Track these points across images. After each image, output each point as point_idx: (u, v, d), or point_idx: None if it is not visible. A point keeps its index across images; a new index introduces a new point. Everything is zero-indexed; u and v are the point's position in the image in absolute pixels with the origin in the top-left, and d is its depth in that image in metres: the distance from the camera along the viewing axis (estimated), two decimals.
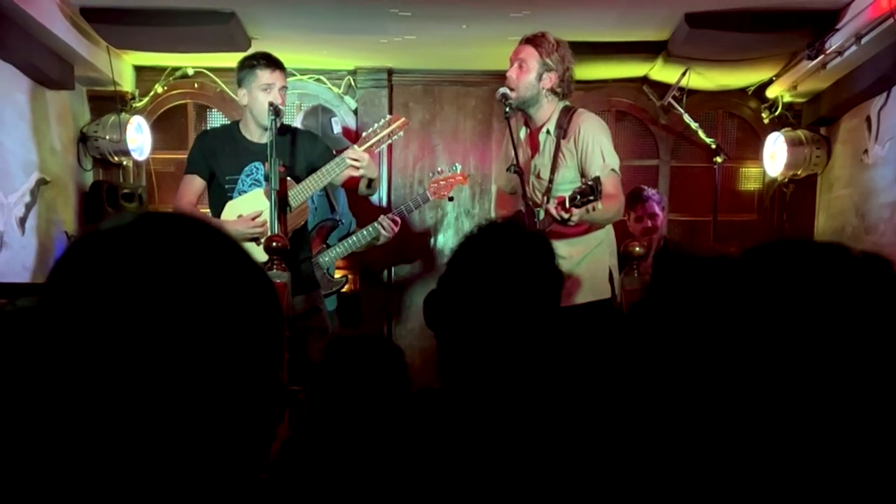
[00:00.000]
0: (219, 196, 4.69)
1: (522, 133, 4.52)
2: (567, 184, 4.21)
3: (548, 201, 4.23)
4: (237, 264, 1.00)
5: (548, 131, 4.34)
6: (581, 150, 4.22)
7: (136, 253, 0.94)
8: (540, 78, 4.28)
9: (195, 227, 1.01)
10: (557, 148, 4.29)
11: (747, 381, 0.78)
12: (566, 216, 3.85)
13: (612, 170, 4.19)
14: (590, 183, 3.85)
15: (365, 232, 5.13)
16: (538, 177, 4.38)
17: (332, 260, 5.12)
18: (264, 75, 4.60)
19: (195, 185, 4.69)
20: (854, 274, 0.82)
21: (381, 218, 5.16)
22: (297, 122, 5.72)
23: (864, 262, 0.83)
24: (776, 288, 0.81)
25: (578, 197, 3.84)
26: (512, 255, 1.82)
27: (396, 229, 5.20)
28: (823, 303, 0.79)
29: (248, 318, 0.97)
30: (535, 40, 4.32)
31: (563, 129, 4.29)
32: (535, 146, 4.41)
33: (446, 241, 6.55)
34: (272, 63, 4.64)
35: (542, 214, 4.23)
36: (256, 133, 4.71)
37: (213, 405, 0.94)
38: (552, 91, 4.32)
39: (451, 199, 5.21)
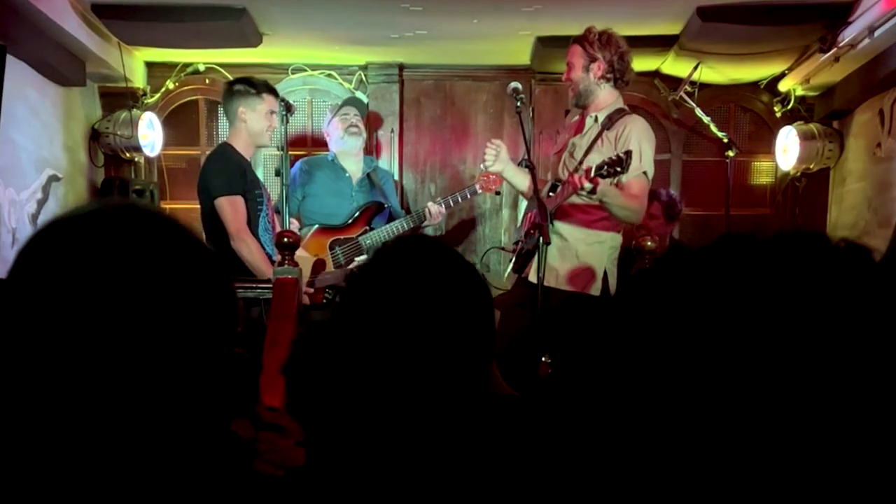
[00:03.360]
0: (251, 209, 4.75)
1: (574, 117, 4.68)
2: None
3: None
4: (188, 250, 1.03)
5: (595, 118, 4.43)
6: (622, 144, 4.26)
7: (92, 241, 0.98)
8: (587, 70, 4.38)
9: (149, 216, 1.04)
10: (599, 134, 4.37)
11: (716, 369, 0.78)
12: (589, 185, 3.94)
13: (644, 173, 4.27)
14: (620, 155, 3.92)
15: (409, 218, 5.20)
16: (571, 155, 4.46)
17: (373, 243, 5.10)
18: (270, 100, 4.84)
19: (244, 205, 4.74)
20: (832, 263, 0.81)
21: (430, 204, 5.23)
22: None
23: (843, 251, 0.83)
24: (753, 279, 0.81)
25: (605, 167, 3.92)
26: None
27: (440, 218, 5.29)
28: (800, 293, 0.78)
29: (197, 299, 1.01)
30: (579, 38, 4.44)
31: (611, 121, 4.38)
32: (580, 128, 4.52)
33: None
34: (273, 90, 4.93)
35: (558, 188, 4.34)
36: (248, 153, 4.92)
37: (166, 378, 0.97)
38: (604, 78, 4.40)
39: (498, 192, 5.27)
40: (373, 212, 5.25)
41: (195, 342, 0.99)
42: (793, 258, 0.82)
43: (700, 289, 0.82)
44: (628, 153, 3.94)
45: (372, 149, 6.31)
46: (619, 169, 3.91)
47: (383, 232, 5.11)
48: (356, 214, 5.21)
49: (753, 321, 0.78)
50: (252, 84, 4.86)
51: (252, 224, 4.70)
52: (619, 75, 4.42)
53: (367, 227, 5.18)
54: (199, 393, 1.00)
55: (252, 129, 4.82)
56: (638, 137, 4.28)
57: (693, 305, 0.82)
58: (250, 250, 4.60)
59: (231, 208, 4.66)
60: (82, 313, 0.93)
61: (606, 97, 4.44)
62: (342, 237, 5.13)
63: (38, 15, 4.57)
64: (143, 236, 1.00)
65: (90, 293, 0.93)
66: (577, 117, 4.62)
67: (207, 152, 6.38)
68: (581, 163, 4.34)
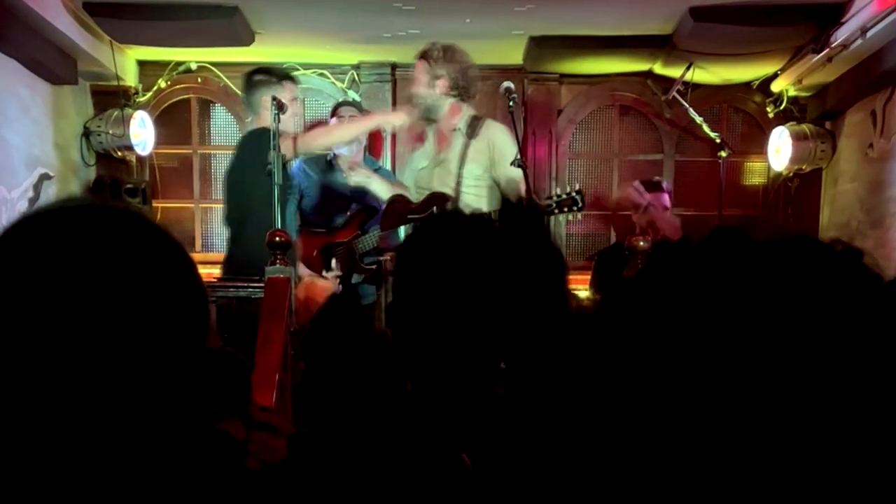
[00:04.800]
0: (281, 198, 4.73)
1: (431, 131, 4.77)
2: (473, 179, 4.51)
3: (458, 193, 4.53)
4: (155, 248, 1.03)
5: (458, 128, 4.56)
6: (495, 150, 4.50)
7: (54, 239, 0.97)
8: (432, 86, 4.52)
9: (114, 212, 1.04)
10: (467, 145, 4.52)
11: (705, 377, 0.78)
12: None
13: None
14: (573, 195, 4.24)
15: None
16: (446, 170, 4.58)
17: (366, 247, 5.06)
18: (290, 87, 4.86)
19: None
20: (822, 266, 0.81)
21: None
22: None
23: (834, 253, 0.82)
24: (736, 286, 0.80)
25: (556, 206, 4.28)
26: (470, 246, 1.76)
27: None
28: (794, 298, 0.78)
29: (162, 296, 1.00)
30: (423, 54, 4.59)
31: (473, 130, 4.54)
32: (443, 141, 4.65)
33: None
34: (292, 77, 4.95)
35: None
36: None
37: (134, 377, 0.96)
38: (447, 95, 4.55)
39: None
40: (365, 217, 5.18)
41: (158, 339, 0.98)
42: (786, 262, 0.81)
43: (693, 293, 0.82)
44: (580, 192, 4.25)
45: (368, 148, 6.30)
46: (575, 208, 4.14)
47: (375, 235, 5.04)
48: (348, 220, 5.16)
49: (748, 326, 0.78)
50: (271, 72, 4.86)
51: (284, 210, 4.61)
52: (462, 91, 4.57)
53: (360, 232, 5.12)
54: (162, 391, 0.99)
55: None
56: (506, 142, 4.53)
57: (686, 310, 0.81)
58: (315, 133, 4.72)
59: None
60: (38, 312, 0.92)
61: (454, 110, 4.59)
62: (333, 242, 5.10)
63: (30, 13, 4.55)
64: (107, 234, 0.99)
65: (48, 291, 0.93)
66: (431, 130, 4.76)
67: (199, 151, 6.41)
68: (460, 175, 4.53)
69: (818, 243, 0.83)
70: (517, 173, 4.38)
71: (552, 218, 4.60)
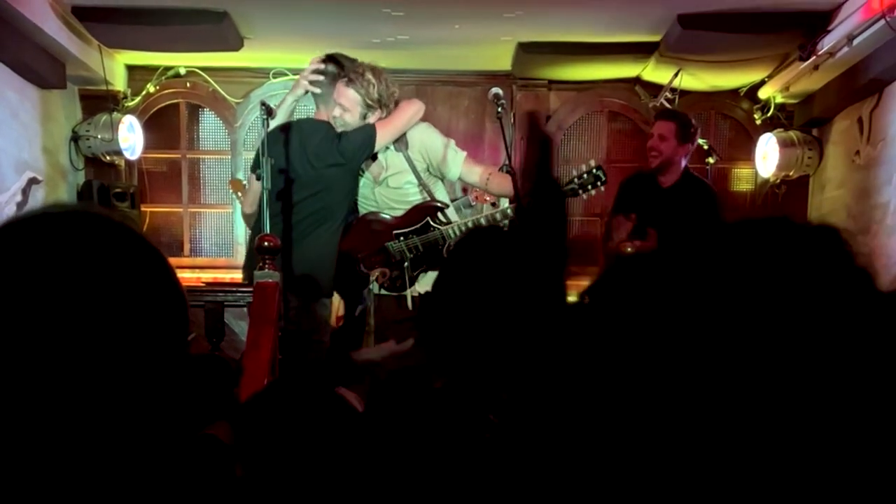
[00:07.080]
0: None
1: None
2: (414, 186, 4.41)
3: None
4: (134, 251, 1.03)
5: (386, 147, 4.41)
6: (431, 152, 4.41)
7: (37, 244, 0.97)
8: (364, 117, 4.32)
9: (94, 218, 1.03)
10: (408, 159, 4.42)
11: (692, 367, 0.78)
12: None
13: (466, 155, 4.45)
14: (594, 171, 4.09)
15: None
16: (388, 186, 4.45)
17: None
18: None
19: None
20: (798, 245, 0.81)
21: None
22: None
23: (809, 231, 0.82)
24: (718, 272, 0.80)
25: (578, 188, 4.09)
26: (504, 259, 1.85)
27: None
28: (766, 279, 0.78)
29: (143, 300, 1.00)
30: (354, 81, 4.27)
31: (397, 143, 4.40)
32: (378, 165, 4.49)
33: None
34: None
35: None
36: None
37: (113, 381, 0.96)
38: (377, 118, 4.36)
39: (493, 204, 5.27)
40: None
41: (136, 344, 0.98)
42: (760, 247, 0.81)
43: (675, 289, 0.82)
44: (600, 167, 4.13)
45: None
46: (599, 183, 4.12)
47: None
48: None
49: (736, 319, 0.78)
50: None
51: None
52: (386, 112, 4.38)
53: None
54: (141, 395, 0.99)
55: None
56: (435, 138, 4.44)
57: (669, 307, 0.81)
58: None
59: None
60: (15, 317, 0.92)
61: None
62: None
63: (18, 17, 4.54)
64: (85, 240, 0.99)
65: (25, 297, 0.93)
66: None
67: (188, 156, 6.41)
68: (399, 188, 4.43)
69: (793, 225, 0.83)
70: (461, 157, 4.39)
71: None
